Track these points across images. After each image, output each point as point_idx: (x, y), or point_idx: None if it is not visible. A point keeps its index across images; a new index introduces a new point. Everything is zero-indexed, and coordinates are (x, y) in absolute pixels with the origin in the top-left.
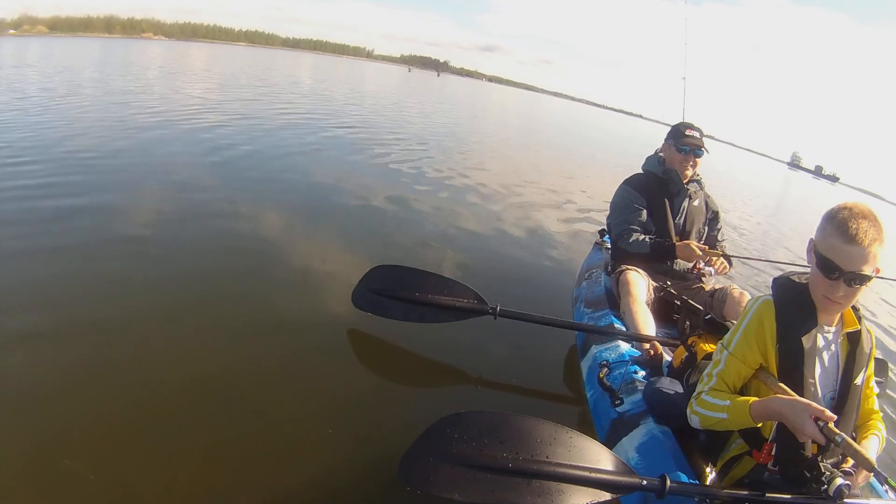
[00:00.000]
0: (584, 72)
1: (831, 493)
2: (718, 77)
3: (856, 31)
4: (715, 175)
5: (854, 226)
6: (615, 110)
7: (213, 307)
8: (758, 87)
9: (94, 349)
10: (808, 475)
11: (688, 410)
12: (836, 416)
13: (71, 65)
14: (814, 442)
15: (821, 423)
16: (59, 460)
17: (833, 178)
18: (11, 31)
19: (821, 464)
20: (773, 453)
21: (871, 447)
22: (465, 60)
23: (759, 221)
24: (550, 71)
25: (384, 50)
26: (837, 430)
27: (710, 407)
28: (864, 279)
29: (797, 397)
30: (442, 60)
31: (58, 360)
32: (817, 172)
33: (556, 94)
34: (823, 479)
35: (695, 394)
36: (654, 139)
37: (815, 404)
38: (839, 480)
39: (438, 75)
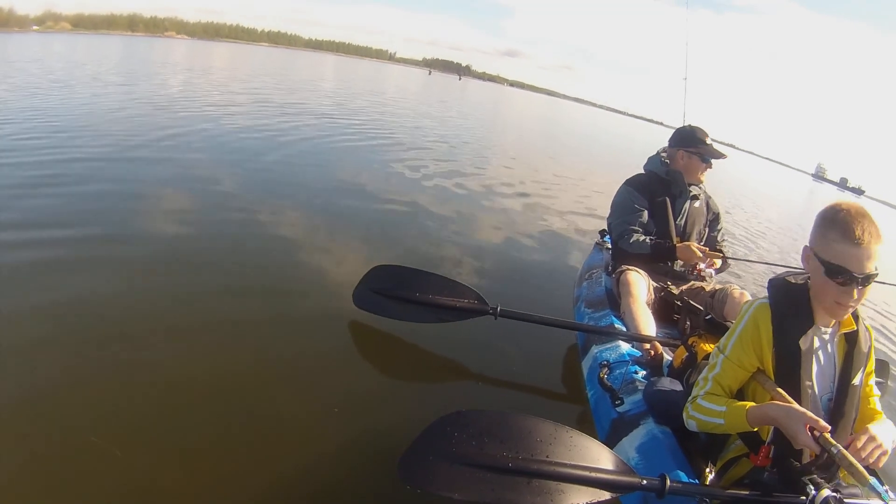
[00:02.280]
0: (605, 78)
1: None
2: (740, 86)
3: (877, 41)
4: (737, 185)
5: (859, 229)
6: (636, 117)
7: (215, 306)
8: (781, 96)
9: (105, 345)
10: (801, 481)
11: (684, 414)
12: (829, 427)
13: (99, 62)
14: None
15: (816, 433)
16: (87, 437)
17: (858, 191)
18: (35, 28)
19: (809, 477)
20: (770, 456)
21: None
22: (486, 65)
23: (777, 229)
24: (571, 77)
25: (406, 53)
26: (833, 441)
27: (706, 412)
28: (873, 278)
29: (794, 405)
30: (464, 64)
31: (71, 355)
32: (842, 185)
33: (576, 100)
34: (811, 489)
35: (690, 397)
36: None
37: (810, 413)
38: (826, 492)
39: (460, 79)
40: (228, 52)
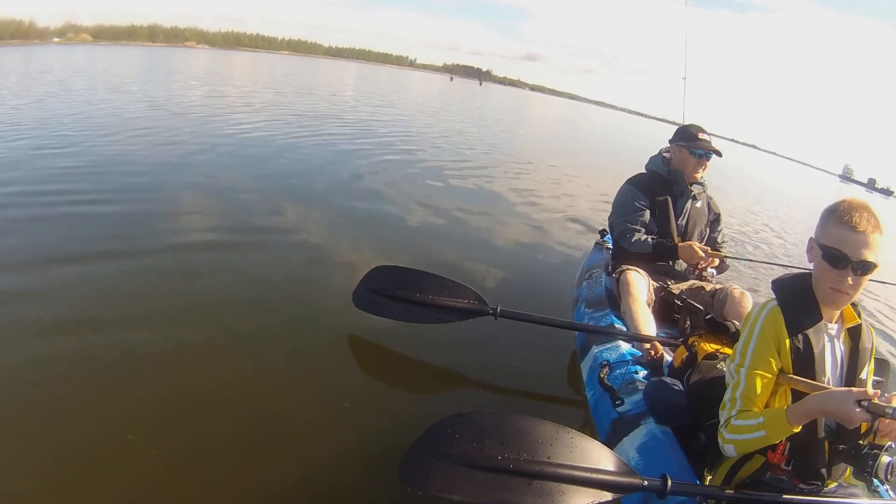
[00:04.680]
0: (626, 80)
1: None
2: (761, 85)
3: None
4: (753, 184)
5: (856, 216)
6: (657, 119)
7: (220, 310)
8: (805, 96)
9: (114, 349)
10: (824, 470)
11: (720, 441)
12: (879, 391)
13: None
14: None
15: (865, 403)
16: (123, 435)
17: (887, 192)
18: (56, 39)
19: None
20: (786, 453)
21: None
22: (507, 69)
23: (800, 232)
24: (592, 80)
25: (427, 59)
26: (881, 403)
27: (743, 430)
28: (870, 267)
29: (832, 388)
30: (484, 69)
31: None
32: (870, 185)
33: (598, 103)
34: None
35: (722, 423)
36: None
37: (853, 389)
38: (886, 459)
39: (481, 84)
40: (248, 62)
